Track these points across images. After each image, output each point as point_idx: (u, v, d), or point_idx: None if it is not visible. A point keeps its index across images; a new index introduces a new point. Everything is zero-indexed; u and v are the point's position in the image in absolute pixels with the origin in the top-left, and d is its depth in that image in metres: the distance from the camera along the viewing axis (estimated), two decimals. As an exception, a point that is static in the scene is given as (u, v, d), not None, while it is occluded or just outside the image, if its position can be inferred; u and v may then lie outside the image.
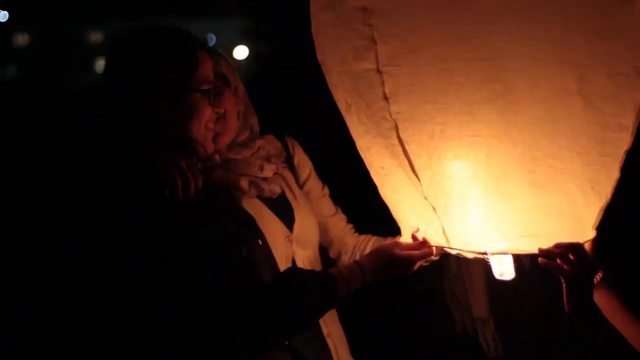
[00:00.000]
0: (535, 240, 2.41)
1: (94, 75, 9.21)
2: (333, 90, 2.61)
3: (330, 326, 2.92)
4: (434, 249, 2.64)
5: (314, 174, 3.12)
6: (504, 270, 2.54)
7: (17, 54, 9.82)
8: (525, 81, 2.22)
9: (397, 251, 2.65)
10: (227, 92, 2.84)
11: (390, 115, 2.36)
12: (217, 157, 2.77)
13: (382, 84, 2.34)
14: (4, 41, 9.62)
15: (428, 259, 2.77)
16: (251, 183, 2.80)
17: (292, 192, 2.96)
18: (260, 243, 2.70)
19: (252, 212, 2.79)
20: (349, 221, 3.17)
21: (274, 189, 2.87)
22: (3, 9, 9.09)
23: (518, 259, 2.58)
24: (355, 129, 2.58)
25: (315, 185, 3.11)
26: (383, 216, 2.87)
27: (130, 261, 2.37)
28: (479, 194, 2.37)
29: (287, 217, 2.89)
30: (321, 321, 2.82)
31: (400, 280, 2.83)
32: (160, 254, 2.34)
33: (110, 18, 8.72)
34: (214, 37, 9.35)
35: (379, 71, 2.34)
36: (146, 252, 2.35)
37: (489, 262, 2.52)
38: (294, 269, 2.66)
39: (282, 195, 2.91)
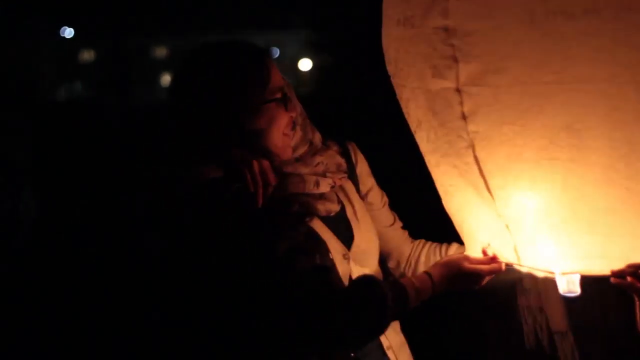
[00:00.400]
0: (607, 261, 2.30)
1: (159, 90, 9.28)
2: (404, 104, 2.54)
3: (391, 338, 2.78)
4: (503, 265, 2.55)
5: (375, 183, 3.00)
6: (570, 288, 2.47)
7: (84, 70, 9.94)
8: (604, 104, 2.11)
9: (467, 265, 2.55)
10: (294, 99, 2.79)
11: (468, 134, 2.27)
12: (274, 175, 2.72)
13: (461, 103, 2.23)
14: (71, 58, 9.75)
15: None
16: (302, 205, 2.65)
17: (352, 206, 2.81)
18: (333, 260, 2.61)
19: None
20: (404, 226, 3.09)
21: (330, 207, 2.69)
22: (69, 27, 9.21)
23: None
24: (424, 146, 2.50)
25: (376, 196, 2.96)
26: (435, 219, 2.80)
27: (213, 264, 2.33)
28: (554, 215, 2.27)
29: (345, 235, 2.73)
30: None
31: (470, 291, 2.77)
32: (239, 259, 2.30)
33: (174, 33, 8.78)
34: (278, 50, 9.38)
35: (458, 90, 2.24)
36: (226, 256, 2.31)
37: (555, 277, 2.43)
38: (365, 277, 2.60)
39: (341, 211, 2.77)
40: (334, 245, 2.67)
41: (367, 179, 2.93)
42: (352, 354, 2.57)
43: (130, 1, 8.40)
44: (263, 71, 2.43)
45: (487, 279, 2.59)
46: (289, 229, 2.42)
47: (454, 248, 2.83)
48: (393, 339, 2.80)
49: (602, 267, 2.32)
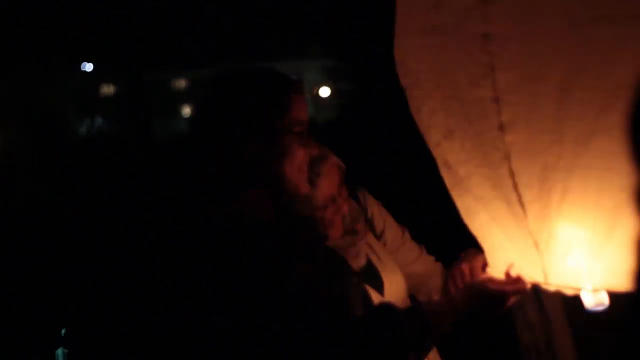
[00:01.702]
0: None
1: (179, 121, 9.30)
2: (425, 116, 2.47)
3: None
4: (528, 284, 2.50)
5: (389, 222, 2.99)
6: (598, 302, 2.41)
7: (104, 104, 9.99)
8: (641, 110, 2.13)
9: (490, 286, 2.50)
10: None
11: (504, 145, 2.24)
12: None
13: (499, 112, 2.20)
14: (91, 92, 9.80)
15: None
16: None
17: (375, 252, 2.85)
18: (355, 282, 2.60)
19: None
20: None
21: (360, 262, 2.76)
22: (88, 61, 9.27)
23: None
24: (456, 156, 2.44)
25: (393, 234, 2.98)
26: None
27: (225, 291, 2.27)
28: (586, 226, 2.23)
29: (375, 282, 2.76)
30: None
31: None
32: (254, 287, 2.25)
33: (193, 65, 8.82)
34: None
35: (495, 99, 2.20)
36: (241, 284, 2.25)
37: (580, 292, 2.39)
38: (386, 305, 2.56)
39: (368, 261, 2.80)
40: (372, 295, 2.69)
41: (378, 221, 2.95)
42: None
43: (149, 34, 8.44)
44: (281, 100, 2.41)
45: (512, 300, 2.54)
46: (302, 259, 2.38)
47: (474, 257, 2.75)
48: None
49: (633, 283, 2.21)
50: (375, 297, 2.73)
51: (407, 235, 3.01)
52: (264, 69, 2.51)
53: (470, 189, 2.46)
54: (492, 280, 2.51)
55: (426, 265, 2.96)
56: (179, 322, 2.50)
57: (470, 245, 2.70)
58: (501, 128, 2.21)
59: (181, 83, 9.23)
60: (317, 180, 2.74)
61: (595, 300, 2.37)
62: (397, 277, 2.85)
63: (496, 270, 2.56)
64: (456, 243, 2.83)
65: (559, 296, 3.06)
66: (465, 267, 2.77)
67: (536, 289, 3.02)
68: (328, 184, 2.76)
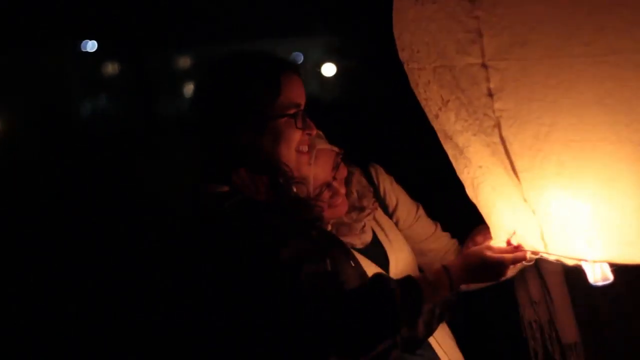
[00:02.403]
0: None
1: (183, 101, 9.28)
2: (422, 89, 2.50)
3: (450, 354, 2.88)
4: (528, 253, 2.50)
5: (402, 199, 3.07)
6: (602, 278, 2.41)
7: (107, 82, 9.94)
8: (637, 76, 2.07)
9: (489, 254, 2.53)
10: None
11: (494, 112, 2.24)
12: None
13: (487, 79, 2.22)
14: (94, 71, 9.76)
15: (521, 264, 2.66)
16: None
17: (382, 229, 2.92)
18: (353, 265, 2.61)
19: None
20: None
21: (365, 238, 2.85)
22: (92, 39, 9.23)
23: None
24: (452, 127, 2.46)
25: (405, 211, 3.06)
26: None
27: (217, 273, 2.36)
28: (584, 198, 2.24)
29: (381, 260, 2.85)
30: (438, 348, 2.81)
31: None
32: (242, 269, 2.32)
33: (197, 42, 8.76)
34: (302, 56, 9.35)
35: (484, 65, 2.21)
36: (229, 266, 2.34)
37: (584, 266, 2.40)
38: (376, 276, 2.53)
39: (373, 237, 2.88)
40: (374, 272, 2.72)
41: (391, 198, 3.03)
42: None
43: (152, 12, 8.40)
44: (271, 84, 2.46)
45: (511, 269, 2.56)
46: (297, 236, 2.39)
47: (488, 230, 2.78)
48: (452, 355, 2.88)
49: (636, 255, 2.28)
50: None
51: (421, 211, 3.08)
52: (255, 52, 2.54)
53: (470, 158, 2.48)
54: (490, 248, 2.54)
55: (441, 241, 3.05)
56: (177, 300, 2.50)
57: (483, 222, 2.72)
58: (490, 95, 2.22)
59: (185, 61, 9.18)
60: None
61: (598, 274, 2.39)
62: (404, 255, 2.91)
63: (498, 239, 2.57)
64: (470, 220, 2.83)
65: (561, 274, 3.06)
66: (479, 239, 2.75)
67: (538, 266, 3.00)
68: (321, 171, 2.80)
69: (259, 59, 2.52)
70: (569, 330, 3.19)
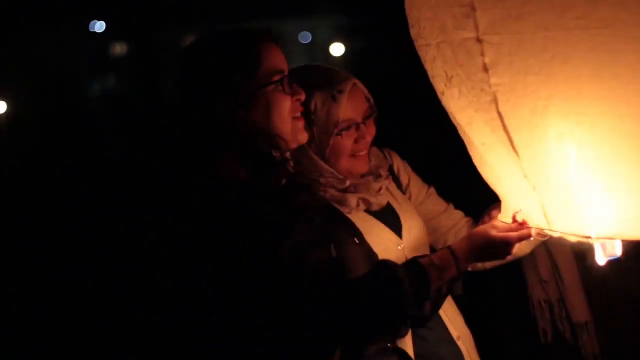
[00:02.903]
0: None
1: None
2: (430, 66, 2.48)
3: (460, 330, 2.87)
4: (532, 230, 2.48)
5: (414, 178, 3.08)
6: (609, 254, 2.38)
7: (116, 63, 9.93)
8: (634, 50, 2.05)
9: (494, 233, 2.51)
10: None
11: (490, 87, 2.22)
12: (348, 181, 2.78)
13: (482, 53, 2.20)
14: (103, 51, 9.75)
15: (530, 242, 2.67)
16: (360, 199, 2.78)
17: (396, 200, 2.92)
18: (357, 242, 2.59)
19: (361, 225, 2.76)
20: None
21: (381, 201, 2.84)
22: (100, 20, 9.21)
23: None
24: (455, 103, 2.43)
25: (418, 188, 3.07)
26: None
27: (218, 267, 2.34)
28: (585, 173, 2.22)
29: (395, 225, 2.84)
30: (449, 324, 2.81)
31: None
32: (250, 251, 2.30)
33: (205, 22, 8.73)
34: (310, 35, 9.32)
35: (478, 40, 2.19)
36: (230, 258, 2.32)
37: (591, 243, 2.37)
38: (382, 262, 2.54)
39: (388, 204, 2.88)
40: (388, 236, 2.78)
41: (404, 176, 3.04)
42: (389, 345, 2.59)
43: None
44: (250, 55, 2.43)
45: (517, 247, 2.53)
46: (298, 224, 2.38)
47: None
48: (462, 330, 2.88)
49: (639, 231, 2.25)
50: (391, 241, 2.79)
51: (432, 191, 3.09)
52: (230, 29, 2.51)
53: (474, 136, 2.46)
54: (495, 227, 2.53)
55: (453, 218, 3.05)
56: (177, 300, 2.48)
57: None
58: (486, 70, 2.21)
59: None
60: (339, 97, 2.77)
61: (606, 251, 2.37)
62: (417, 223, 2.91)
63: (507, 217, 2.56)
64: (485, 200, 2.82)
65: (570, 252, 3.03)
66: (495, 213, 2.75)
67: (548, 245, 2.97)
68: (351, 107, 2.80)
69: (234, 33, 2.50)
70: (580, 309, 3.19)
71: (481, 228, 2.59)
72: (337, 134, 2.78)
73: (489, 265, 2.99)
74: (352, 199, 2.78)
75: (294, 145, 2.54)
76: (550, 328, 3.27)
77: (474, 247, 2.53)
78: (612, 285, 3.17)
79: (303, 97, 2.55)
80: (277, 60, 2.48)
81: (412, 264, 2.49)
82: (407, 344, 2.72)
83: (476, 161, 2.58)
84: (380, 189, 2.86)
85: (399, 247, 2.80)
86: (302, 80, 2.73)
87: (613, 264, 2.40)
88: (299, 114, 2.53)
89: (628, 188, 2.20)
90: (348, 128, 2.80)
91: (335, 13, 9.22)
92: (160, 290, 2.65)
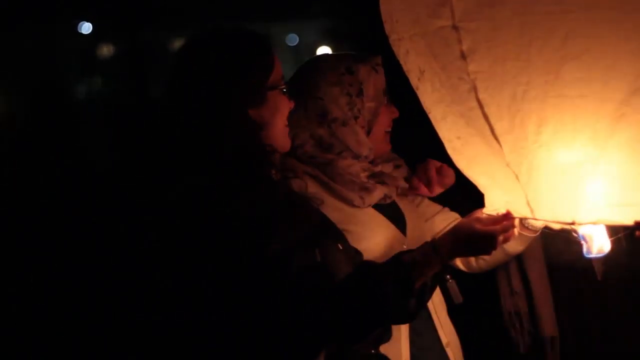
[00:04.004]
0: (631, 209, 2.25)
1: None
2: (403, 61, 2.51)
3: (449, 336, 2.93)
4: (516, 220, 2.49)
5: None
6: (596, 245, 2.38)
7: (103, 65, 9.91)
8: (613, 33, 2.06)
9: (478, 226, 2.50)
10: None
11: (468, 75, 2.23)
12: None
13: (459, 41, 2.21)
14: (90, 53, 9.72)
15: (521, 238, 2.73)
16: (386, 195, 2.88)
17: (400, 197, 2.99)
18: (341, 247, 2.58)
19: (367, 220, 2.83)
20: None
21: (392, 194, 2.92)
22: (87, 21, 9.19)
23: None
24: (428, 98, 2.47)
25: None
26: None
27: (204, 257, 2.37)
28: (566, 159, 2.23)
29: (400, 223, 2.91)
30: (440, 330, 2.87)
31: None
32: (234, 254, 2.33)
33: (193, 24, 8.72)
34: (297, 38, 9.31)
35: (455, 27, 2.20)
36: (218, 259, 2.35)
37: (578, 237, 2.38)
38: (364, 263, 2.55)
39: (393, 202, 2.93)
40: (392, 233, 2.85)
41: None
42: (372, 350, 2.61)
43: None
44: (267, 57, 2.52)
45: (501, 239, 2.51)
46: (286, 227, 2.38)
47: None
48: (451, 337, 2.94)
49: (626, 216, 2.26)
50: (396, 238, 2.85)
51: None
52: (241, 28, 2.57)
53: (450, 129, 2.48)
54: (479, 220, 2.52)
55: (448, 218, 3.10)
56: (175, 300, 2.47)
57: None
58: (463, 57, 2.22)
59: (181, 43, 9.11)
60: (379, 69, 2.91)
61: (592, 241, 2.40)
62: (419, 223, 2.99)
63: (491, 209, 2.56)
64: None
65: (542, 265, 3.04)
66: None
67: (520, 256, 2.98)
68: (373, 84, 2.90)
69: (252, 33, 2.57)
70: (547, 323, 3.18)
71: (464, 221, 2.57)
72: (379, 105, 2.91)
73: (483, 264, 3.07)
74: (379, 192, 2.87)
75: (280, 150, 2.57)
76: (521, 339, 3.27)
77: (457, 241, 2.52)
78: (585, 299, 3.18)
79: (292, 105, 2.61)
80: (280, 69, 2.57)
81: (394, 262, 2.49)
82: (403, 348, 2.80)
83: (453, 156, 2.59)
84: (398, 185, 2.93)
85: (404, 246, 2.84)
86: (339, 58, 2.92)
87: (588, 280, 2.41)
88: (287, 122, 2.60)
89: (611, 172, 2.22)
90: (384, 103, 2.93)
91: (322, 16, 9.21)
92: (157, 290, 2.65)
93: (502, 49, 2.16)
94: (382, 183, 2.89)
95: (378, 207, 2.91)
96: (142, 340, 4.35)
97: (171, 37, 9.48)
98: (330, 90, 2.88)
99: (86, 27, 9.26)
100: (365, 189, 2.85)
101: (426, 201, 3.12)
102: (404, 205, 2.99)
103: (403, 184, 2.96)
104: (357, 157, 2.86)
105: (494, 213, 2.50)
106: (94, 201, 6.11)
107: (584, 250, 2.39)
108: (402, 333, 2.83)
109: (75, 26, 9.08)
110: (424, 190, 2.94)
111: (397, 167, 3.01)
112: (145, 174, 2.66)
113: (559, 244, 2.98)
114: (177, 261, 2.44)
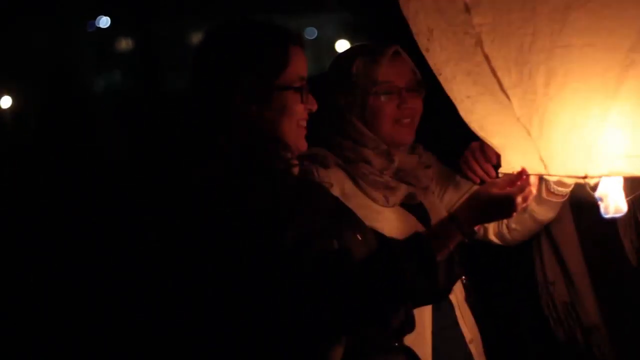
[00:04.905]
0: None
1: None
2: (413, 22, 2.44)
3: (472, 332, 2.87)
4: (531, 178, 2.40)
5: (439, 172, 3.10)
6: (612, 203, 2.31)
7: (121, 58, 9.94)
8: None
9: (495, 190, 2.42)
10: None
11: (474, 28, 2.17)
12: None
13: None
14: (108, 46, 9.76)
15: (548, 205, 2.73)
16: (409, 192, 2.84)
17: (425, 194, 2.94)
18: (360, 238, 2.48)
19: (394, 218, 2.80)
20: None
21: (418, 194, 2.87)
22: (105, 15, 9.22)
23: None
24: (438, 58, 2.40)
25: (440, 182, 3.09)
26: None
27: (223, 248, 2.28)
28: (576, 111, 2.16)
29: (425, 221, 2.86)
30: (464, 326, 2.83)
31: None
32: (253, 242, 2.24)
33: (212, 17, 8.70)
34: (316, 31, 9.32)
35: None
36: (233, 251, 2.26)
37: (597, 199, 2.31)
38: (381, 242, 2.49)
39: (420, 202, 2.89)
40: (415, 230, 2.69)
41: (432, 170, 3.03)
42: (396, 343, 2.49)
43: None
44: (280, 54, 2.39)
45: (520, 201, 2.41)
46: (304, 219, 2.30)
47: None
48: (474, 334, 2.87)
49: (638, 167, 2.20)
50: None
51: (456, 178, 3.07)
52: (262, 21, 2.47)
53: (459, 89, 2.41)
54: (495, 184, 2.44)
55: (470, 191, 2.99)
56: (177, 299, 2.43)
57: None
58: (467, 10, 2.16)
59: (198, 37, 9.09)
60: (379, 58, 2.84)
61: (608, 199, 2.32)
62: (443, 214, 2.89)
63: (507, 168, 2.48)
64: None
65: (581, 255, 2.97)
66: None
67: (556, 248, 2.92)
68: (393, 71, 2.86)
69: (270, 27, 2.46)
70: (590, 312, 3.09)
71: (481, 187, 2.51)
72: (376, 94, 2.82)
73: (517, 235, 3.00)
74: (403, 190, 2.83)
75: (295, 152, 2.50)
76: (561, 329, 3.20)
77: (475, 208, 2.45)
78: (626, 290, 3.10)
79: (314, 108, 2.49)
80: (301, 66, 2.44)
81: (412, 238, 2.42)
82: (427, 341, 2.74)
83: (465, 118, 2.52)
84: (426, 186, 2.90)
85: None
86: (346, 53, 2.88)
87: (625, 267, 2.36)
88: (304, 123, 2.48)
89: (621, 122, 2.16)
90: (389, 92, 2.84)
91: (341, 10, 9.21)
92: (160, 289, 2.60)
93: (506, 0, 2.11)
94: (408, 183, 2.85)
95: (406, 206, 2.85)
96: (142, 340, 4.33)
97: (187, 31, 9.50)
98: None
99: (104, 22, 9.30)
100: (390, 189, 2.81)
101: (451, 188, 3.05)
102: (428, 202, 2.93)
103: (429, 184, 2.93)
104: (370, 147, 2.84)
105: (510, 172, 2.43)
106: (103, 198, 6.09)
107: (602, 210, 2.33)
108: (425, 327, 2.77)
109: (93, 20, 9.13)
110: (483, 177, 2.88)
111: (427, 167, 2.95)
112: (154, 168, 2.62)
113: (596, 232, 2.90)
114: (182, 260, 2.37)
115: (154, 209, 2.56)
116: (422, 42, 2.45)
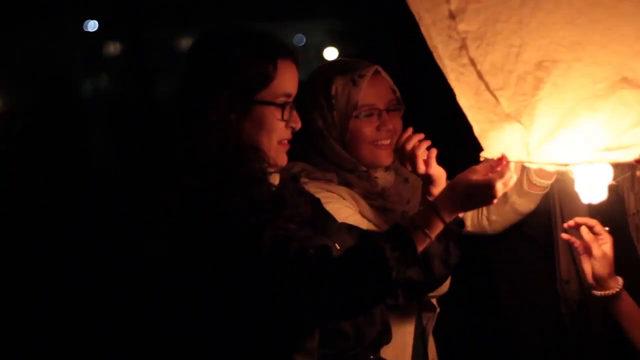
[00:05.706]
0: (631, 150, 2.19)
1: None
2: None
3: (432, 352, 2.94)
4: (511, 164, 2.37)
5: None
6: (595, 190, 2.36)
7: (109, 62, 9.92)
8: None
9: (474, 177, 2.39)
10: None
11: (458, 34, 2.17)
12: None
13: (447, 1, 2.16)
14: (96, 51, 9.74)
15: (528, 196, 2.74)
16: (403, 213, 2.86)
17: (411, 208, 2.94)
18: (338, 247, 2.49)
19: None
20: None
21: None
22: (93, 19, 9.20)
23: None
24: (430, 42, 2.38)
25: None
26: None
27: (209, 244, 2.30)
28: (566, 112, 2.17)
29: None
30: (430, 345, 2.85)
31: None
32: (227, 252, 2.27)
33: (200, 23, 8.72)
34: (304, 38, 9.31)
35: None
36: (221, 233, 2.28)
37: (578, 186, 2.35)
38: (364, 234, 2.50)
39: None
40: None
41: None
42: (372, 356, 2.55)
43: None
44: (265, 69, 2.37)
45: (501, 187, 2.39)
46: (284, 219, 2.33)
47: None
48: (433, 354, 2.91)
49: (621, 156, 2.22)
50: None
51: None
52: (254, 31, 2.46)
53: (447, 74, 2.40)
54: (474, 170, 2.41)
55: None
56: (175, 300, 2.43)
57: None
58: (452, 17, 2.17)
59: (187, 42, 9.08)
60: (360, 80, 2.83)
61: (588, 184, 2.37)
62: None
63: (488, 152, 2.47)
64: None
65: None
66: None
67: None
68: (372, 92, 2.88)
69: (259, 37, 2.45)
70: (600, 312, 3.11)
71: (460, 175, 2.45)
72: (356, 117, 2.83)
73: (497, 225, 3.07)
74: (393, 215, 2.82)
75: (272, 164, 2.48)
76: (577, 325, 3.22)
77: (455, 195, 2.41)
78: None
79: (298, 126, 2.49)
80: (290, 82, 2.43)
81: (393, 229, 2.40)
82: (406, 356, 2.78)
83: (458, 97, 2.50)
84: (409, 200, 2.90)
85: None
86: (324, 71, 2.85)
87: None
88: (286, 141, 2.47)
89: (607, 118, 2.17)
90: (368, 114, 2.86)
91: (329, 16, 9.21)
92: (157, 291, 2.61)
93: (492, 10, 2.11)
94: (390, 210, 2.87)
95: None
96: (142, 341, 4.33)
97: (176, 36, 9.50)
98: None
99: (92, 25, 9.28)
100: (384, 210, 2.86)
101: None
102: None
103: (411, 197, 2.95)
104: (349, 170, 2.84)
105: (490, 157, 2.41)
106: (95, 201, 6.09)
107: (582, 197, 2.38)
108: (406, 345, 2.83)
109: (81, 24, 9.10)
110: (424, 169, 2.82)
111: (405, 181, 2.96)
112: (143, 173, 2.62)
113: (610, 233, 2.88)
114: (174, 262, 2.39)
115: (143, 213, 2.56)
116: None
